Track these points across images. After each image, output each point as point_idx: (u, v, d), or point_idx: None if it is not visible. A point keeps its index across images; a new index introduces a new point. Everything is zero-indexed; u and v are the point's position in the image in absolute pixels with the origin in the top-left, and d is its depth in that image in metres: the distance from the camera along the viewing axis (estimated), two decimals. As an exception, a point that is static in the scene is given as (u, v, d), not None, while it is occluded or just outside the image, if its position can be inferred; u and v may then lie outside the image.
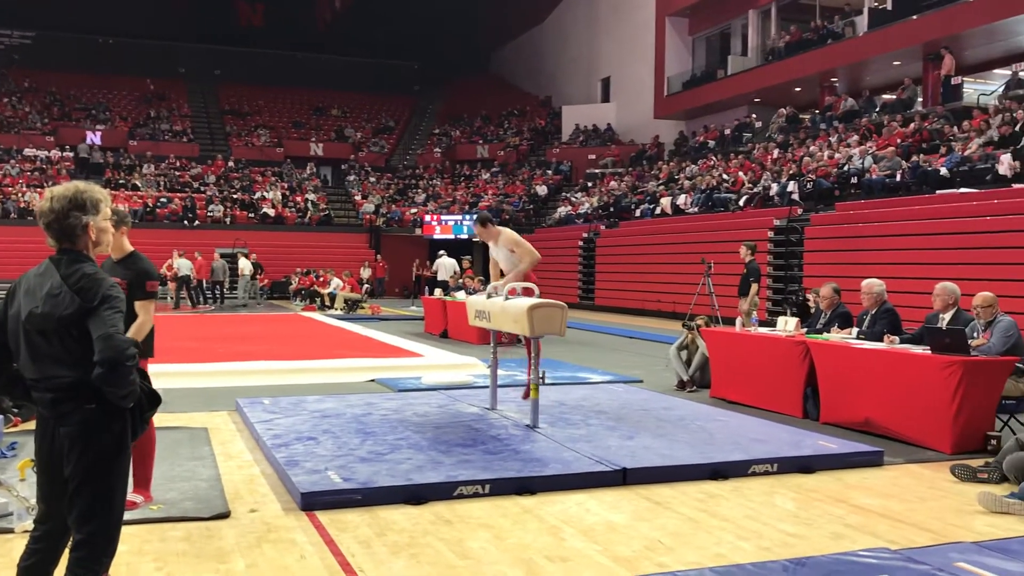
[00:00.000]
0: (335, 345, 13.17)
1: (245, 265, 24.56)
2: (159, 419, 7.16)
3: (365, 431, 6.45)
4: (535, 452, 5.80)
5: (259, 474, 5.55)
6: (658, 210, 23.65)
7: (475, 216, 7.65)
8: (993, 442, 6.16)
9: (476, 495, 5.01)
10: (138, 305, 4.25)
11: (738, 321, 8.93)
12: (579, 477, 5.29)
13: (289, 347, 12.68)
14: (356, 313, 21.31)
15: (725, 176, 22.22)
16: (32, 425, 5.67)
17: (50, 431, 2.84)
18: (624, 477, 5.34)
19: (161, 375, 9.20)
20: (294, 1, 43.45)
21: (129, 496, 4.53)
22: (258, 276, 25.36)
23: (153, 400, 2.96)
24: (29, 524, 4.27)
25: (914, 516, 4.76)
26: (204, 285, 24.16)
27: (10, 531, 4.30)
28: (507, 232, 7.51)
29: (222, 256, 25.05)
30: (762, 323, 9.54)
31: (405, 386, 9.23)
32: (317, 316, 20.27)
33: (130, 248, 4.49)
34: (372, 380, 9.86)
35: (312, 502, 4.76)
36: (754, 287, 12.08)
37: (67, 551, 2.91)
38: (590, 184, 30.52)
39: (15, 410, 6.87)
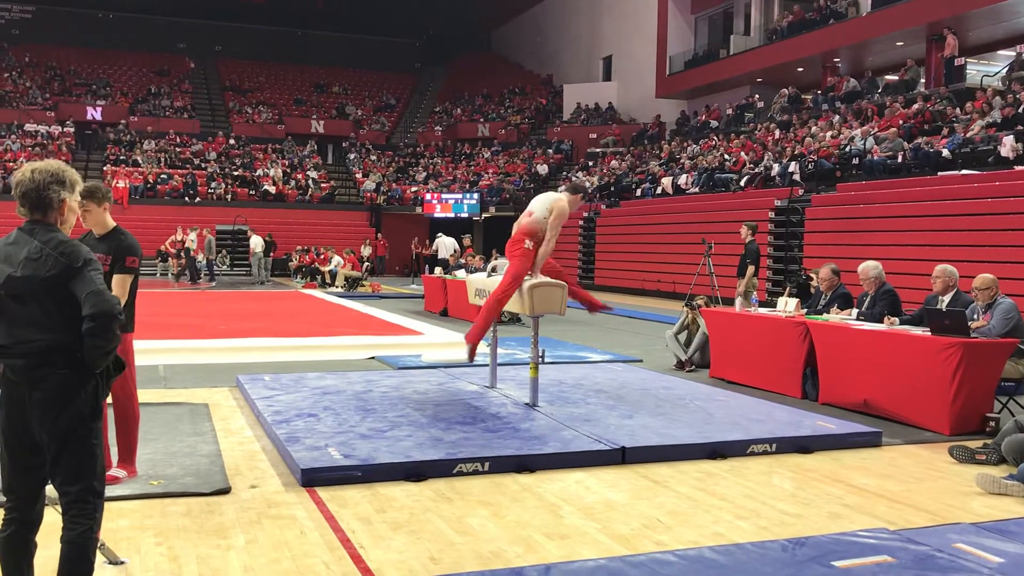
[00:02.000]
0: (335, 322, 13.18)
1: (257, 243, 24.53)
2: (160, 395, 7.22)
3: (365, 408, 6.47)
4: (534, 430, 5.82)
5: (259, 450, 5.57)
6: (659, 190, 23.60)
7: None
8: (992, 424, 6.17)
9: (476, 472, 5.03)
10: (115, 279, 4.29)
11: (737, 301, 8.92)
12: (578, 456, 5.31)
13: (290, 324, 12.69)
14: (356, 291, 21.32)
15: (726, 156, 22.15)
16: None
17: (19, 398, 2.84)
18: (623, 456, 5.36)
19: (163, 351, 9.28)
20: (294, -24, 43.17)
21: (113, 471, 4.56)
22: (270, 254, 25.37)
23: (118, 365, 3.01)
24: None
25: (912, 497, 4.78)
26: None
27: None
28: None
29: (219, 233, 25.09)
30: (762, 303, 9.55)
31: (405, 364, 9.24)
32: (317, 293, 20.28)
33: (112, 224, 4.53)
34: (372, 357, 9.87)
35: (312, 478, 4.78)
36: (751, 268, 12.03)
37: (56, 517, 2.94)
38: (591, 163, 30.43)
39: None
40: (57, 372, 2.81)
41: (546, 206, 6.79)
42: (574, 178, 27.80)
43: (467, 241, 20.52)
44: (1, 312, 2.85)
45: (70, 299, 2.79)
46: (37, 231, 2.89)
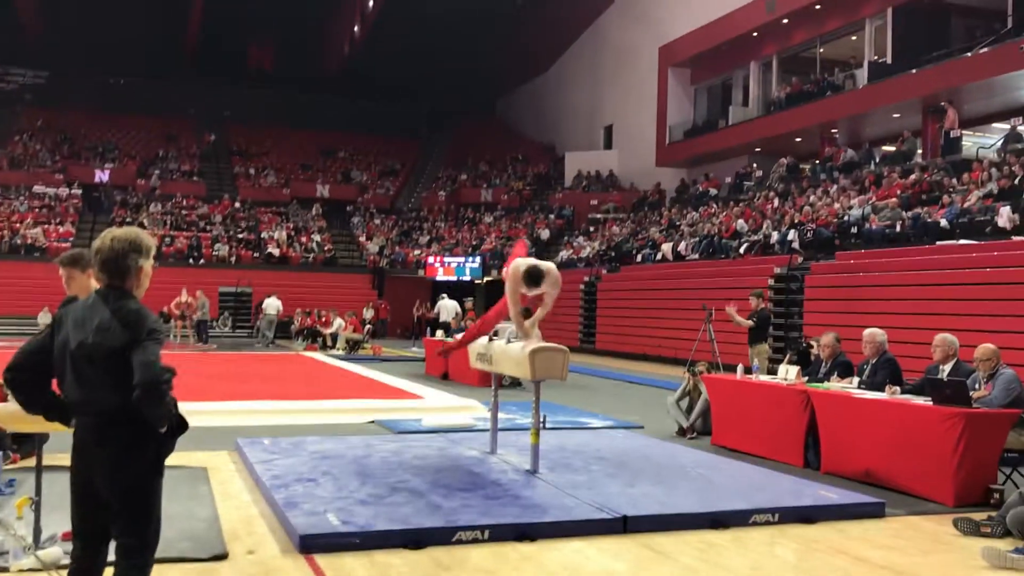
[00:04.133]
0: (336, 385, 13.15)
1: (271, 304, 24.63)
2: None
3: (364, 473, 6.43)
4: (535, 498, 5.77)
5: (257, 515, 5.52)
6: (659, 255, 23.74)
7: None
8: (996, 495, 6.12)
9: (475, 541, 4.98)
10: None
11: (739, 368, 8.90)
12: (579, 524, 5.26)
13: (290, 387, 12.66)
14: (358, 353, 21.30)
15: (724, 225, 22.33)
16: (30, 463, 5.66)
17: (88, 453, 3.05)
18: (625, 525, 5.31)
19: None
20: (303, 44, 44.03)
21: None
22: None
23: (182, 425, 3.18)
24: (25, 563, 4.26)
25: (917, 570, 4.73)
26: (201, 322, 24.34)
27: (5, 569, 4.28)
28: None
29: (222, 295, 25.16)
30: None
31: (405, 428, 9.20)
32: (319, 356, 20.26)
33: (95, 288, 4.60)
34: (372, 421, 9.83)
35: (310, 545, 4.73)
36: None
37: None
38: (592, 229, 30.68)
39: (14, 447, 6.86)
40: (124, 431, 3.01)
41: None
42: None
43: (469, 304, 20.55)
44: (76, 373, 3.06)
45: (131, 366, 2.98)
46: (111, 297, 3.10)
